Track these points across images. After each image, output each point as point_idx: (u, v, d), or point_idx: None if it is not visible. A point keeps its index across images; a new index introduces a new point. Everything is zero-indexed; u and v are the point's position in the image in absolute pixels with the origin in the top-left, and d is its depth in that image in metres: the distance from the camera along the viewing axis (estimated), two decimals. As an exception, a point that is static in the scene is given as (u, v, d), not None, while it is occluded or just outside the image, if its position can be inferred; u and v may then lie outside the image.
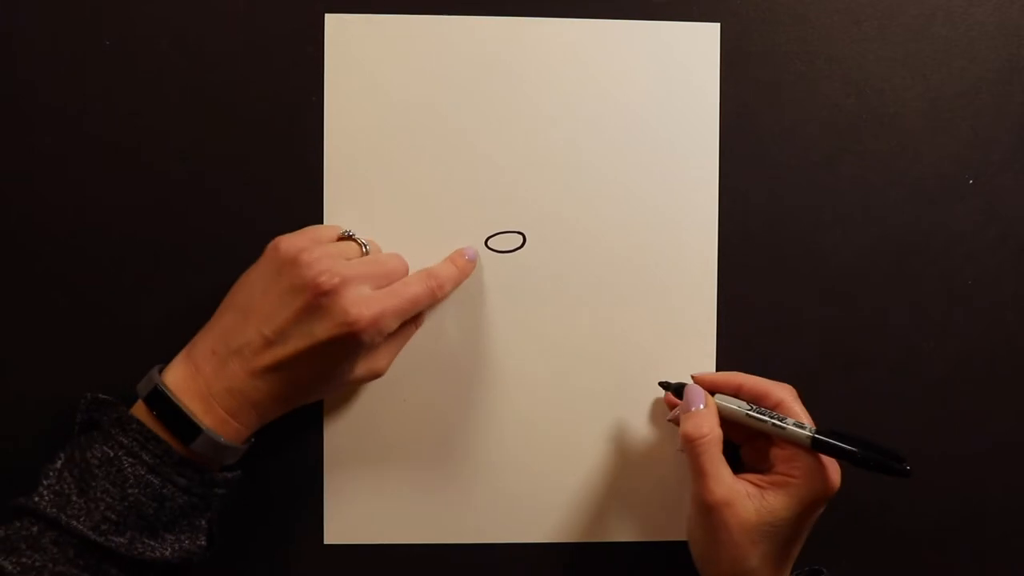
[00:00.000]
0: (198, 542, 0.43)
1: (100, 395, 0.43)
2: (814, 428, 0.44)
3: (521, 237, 0.50)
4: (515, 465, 0.51)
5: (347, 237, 0.47)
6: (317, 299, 0.42)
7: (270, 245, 0.45)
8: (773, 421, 0.45)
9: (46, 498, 0.40)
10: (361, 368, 0.45)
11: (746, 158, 0.52)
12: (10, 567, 0.39)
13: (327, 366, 0.43)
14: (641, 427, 0.51)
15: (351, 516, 0.51)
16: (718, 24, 0.51)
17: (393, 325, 0.44)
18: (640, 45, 0.51)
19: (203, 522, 0.43)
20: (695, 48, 0.51)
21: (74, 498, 0.40)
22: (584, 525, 0.51)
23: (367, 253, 0.46)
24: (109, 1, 0.50)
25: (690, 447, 0.45)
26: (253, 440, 0.46)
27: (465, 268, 0.49)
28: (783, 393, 0.47)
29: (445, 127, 0.51)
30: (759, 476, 0.46)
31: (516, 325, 0.51)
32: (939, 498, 0.53)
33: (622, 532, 0.52)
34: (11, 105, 0.50)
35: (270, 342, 0.43)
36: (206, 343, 0.44)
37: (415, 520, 0.51)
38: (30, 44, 0.50)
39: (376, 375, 0.47)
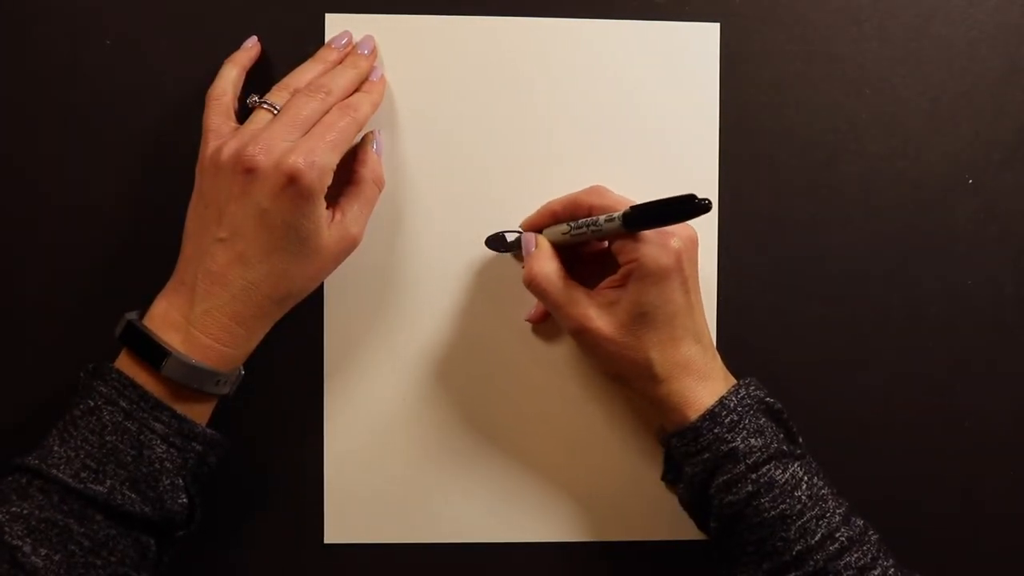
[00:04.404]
0: (179, 500, 0.42)
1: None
2: (621, 212, 0.44)
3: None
4: (515, 465, 0.51)
5: (255, 105, 0.46)
6: (248, 174, 0.42)
7: (196, 171, 0.45)
8: (590, 228, 0.45)
9: (33, 452, 0.41)
10: (332, 233, 0.44)
11: (746, 158, 0.52)
12: (0, 516, 0.39)
13: (289, 234, 0.43)
14: (643, 426, 0.51)
15: (351, 516, 0.51)
16: (718, 24, 0.51)
17: (329, 159, 0.43)
18: (640, 45, 0.51)
19: (181, 481, 0.43)
20: (695, 48, 0.51)
21: (56, 448, 0.41)
22: (584, 525, 0.51)
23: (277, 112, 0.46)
24: (109, 1, 0.50)
25: (534, 290, 0.47)
26: (243, 372, 0.46)
27: (374, 89, 0.48)
28: (590, 197, 0.47)
29: (444, 126, 0.51)
30: (611, 279, 0.46)
31: (515, 324, 0.51)
32: (939, 497, 0.53)
33: (622, 532, 0.52)
34: (11, 105, 0.50)
35: (226, 240, 0.43)
36: (174, 278, 0.44)
37: (415, 520, 0.51)
38: (30, 44, 0.50)
39: (351, 241, 0.46)
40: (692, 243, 0.46)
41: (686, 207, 0.41)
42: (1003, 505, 0.53)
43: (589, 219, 0.46)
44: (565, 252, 0.48)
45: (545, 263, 0.47)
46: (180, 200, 0.46)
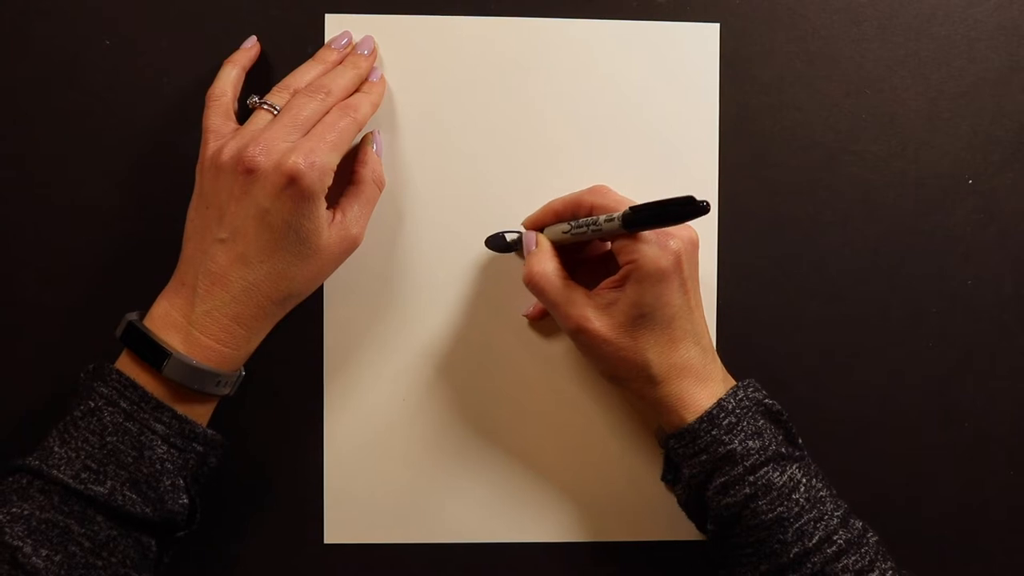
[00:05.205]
0: (180, 500, 0.42)
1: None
2: (620, 213, 0.44)
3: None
4: (515, 464, 0.51)
5: (255, 106, 0.46)
6: (248, 175, 0.42)
7: (196, 172, 0.45)
8: (590, 227, 0.45)
9: (33, 453, 0.41)
10: (333, 233, 0.45)
11: (746, 158, 0.52)
12: (1, 516, 0.40)
13: (289, 234, 0.43)
14: (643, 427, 0.51)
15: (351, 516, 0.51)
16: (718, 24, 0.51)
17: (329, 160, 0.43)
18: (640, 45, 0.51)
19: (182, 481, 0.43)
20: (695, 48, 0.51)
21: (56, 448, 0.41)
22: (584, 525, 0.51)
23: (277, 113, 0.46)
24: (109, 1, 0.50)
25: (533, 288, 0.47)
26: (243, 373, 0.46)
27: (374, 89, 0.49)
28: (592, 197, 0.47)
29: (444, 127, 0.51)
30: (610, 280, 0.46)
31: (516, 324, 0.51)
32: (939, 497, 0.53)
33: (622, 532, 0.52)
34: (11, 105, 0.50)
35: (227, 241, 0.43)
36: (174, 279, 0.44)
37: (415, 520, 0.51)
38: (30, 44, 0.50)
39: (352, 242, 0.46)
40: (692, 244, 0.45)
41: (685, 209, 0.41)
42: (1003, 505, 0.53)
43: (589, 219, 0.46)
44: (567, 252, 0.48)
45: (545, 262, 0.47)
46: (180, 200, 0.46)
